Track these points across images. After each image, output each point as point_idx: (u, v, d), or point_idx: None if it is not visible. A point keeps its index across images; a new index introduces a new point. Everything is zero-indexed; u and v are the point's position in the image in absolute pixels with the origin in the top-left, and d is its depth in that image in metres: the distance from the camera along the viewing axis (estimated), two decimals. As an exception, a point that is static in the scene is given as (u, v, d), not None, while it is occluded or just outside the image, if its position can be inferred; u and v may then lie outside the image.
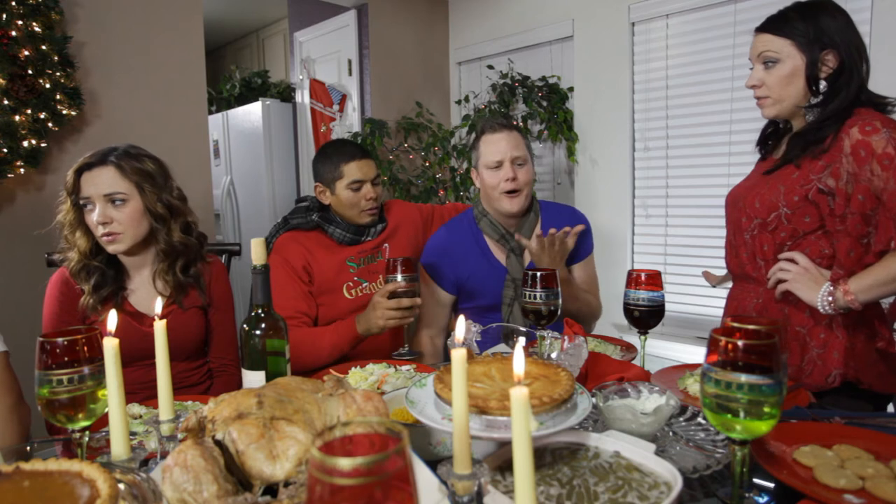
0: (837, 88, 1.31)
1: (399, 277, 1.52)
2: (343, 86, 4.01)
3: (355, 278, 1.82)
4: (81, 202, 1.43)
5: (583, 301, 1.85)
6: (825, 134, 1.29)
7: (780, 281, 1.32)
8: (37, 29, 2.37)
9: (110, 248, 1.45)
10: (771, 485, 0.84)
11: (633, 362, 1.30)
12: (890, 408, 1.62)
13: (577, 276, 1.93)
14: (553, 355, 1.15)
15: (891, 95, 1.35)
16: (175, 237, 1.51)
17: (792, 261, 1.31)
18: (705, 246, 2.97)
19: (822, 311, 1.26)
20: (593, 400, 0.90)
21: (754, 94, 1.40)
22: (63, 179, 1.48)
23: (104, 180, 1.42)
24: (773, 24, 1.36)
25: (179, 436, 0.85)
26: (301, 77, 4.30)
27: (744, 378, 0.71)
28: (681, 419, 1.02)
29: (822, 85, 1.33)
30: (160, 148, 1.54)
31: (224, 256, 1.95)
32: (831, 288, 1.24)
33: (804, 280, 1.28)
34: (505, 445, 0.82)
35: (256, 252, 1.04)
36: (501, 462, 0.80)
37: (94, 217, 1.42)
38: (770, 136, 1.51)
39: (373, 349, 1.73)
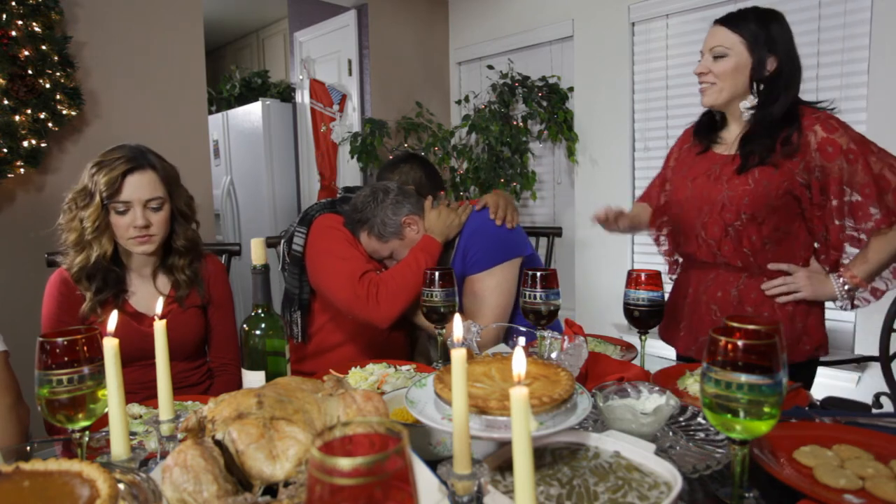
0: (776, 92, 1.44)
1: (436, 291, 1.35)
2: (343, 86, 4.01)
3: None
4: (115, 205, 1.41)
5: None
6: (789, 134, 1.41)
7: (788, 293, 1.46)
8: (37, 29, 2.37)
9: (139, 249, 1.45)
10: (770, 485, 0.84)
11: (633, 362, 1.30)
12: (890, 407, 1.63)
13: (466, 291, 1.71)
14: (553, 355, 1.15)
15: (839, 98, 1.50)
16: (191, 234, 1.54)
17: (787, 273, 1.46)
18: (705, 246, 2.97)
19: (840, 299, 1.44)
20: (593, 400, 0.90)
21: (699, 80, 1.53)
22: (70, 179, 1.47)
23: (145, 184, 1.42)
24: (731, 20, 1.48)
25: (179, 436, 0.85)
26: (301, 77, 4.30)
27: (744, 378, 0.71)
28: (681, 419, 1.02)
29: (760, 86, 1.46)
30: (160, 148, 1.54)
31: (224, 256, 1.95)
32: (841, 280, 1.41)
33: (814, 283, 1.44)
34: (505, 445, 0.82)
35: (256, 252, 1.04)
36: (501, 462, 0.80)
37: (126, 220, 1.41)
38: (705, 129, 1.61)
39: (388, 350, 1.74)
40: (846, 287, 1.41)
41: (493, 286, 1.66)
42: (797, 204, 1.44)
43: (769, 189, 1.41)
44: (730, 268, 1.51)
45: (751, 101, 1.47)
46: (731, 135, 1.54)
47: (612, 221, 1.61)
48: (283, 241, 1.85)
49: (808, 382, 1.52)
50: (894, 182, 1.34)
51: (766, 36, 1.44)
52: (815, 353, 1.48)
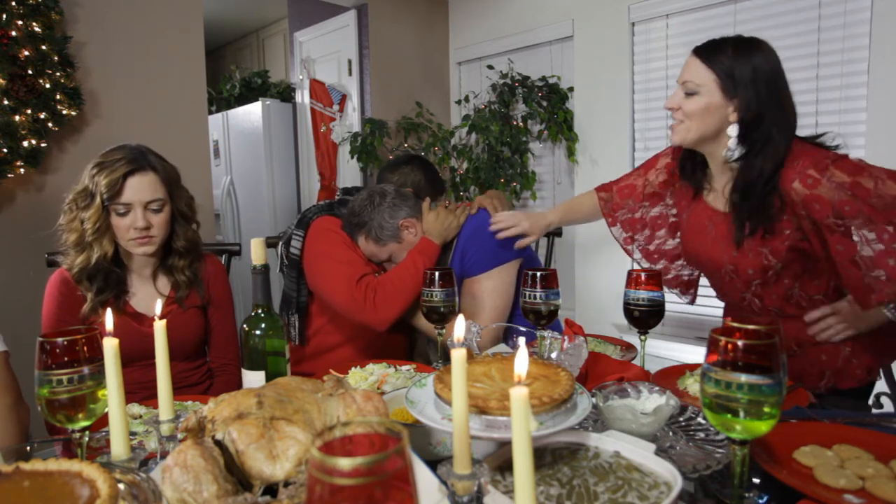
0: (758, 140, 1.28)
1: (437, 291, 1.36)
2: (343, 86, 4.01)
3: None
4: (115, 207, 1.40)
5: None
6: (769, 199, 1.28)
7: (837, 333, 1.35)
8: (37, 29, 2.37)
9: (139, 251, 1.45)
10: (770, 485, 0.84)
11: (633, 362, 1.30)
12: (890, 407, 1.62)
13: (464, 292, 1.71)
14: (553, 355, 1.15)
15: (830, 130, 1.35)
16: (191, 234, 1.54)
17: (823, 318, 1.35)
18: (705, 246, 2.97)
19: (892, 318, 1.29)
20: (593, 400, 0.90)
21: (672, 115, 1.38)
22: (70, 179, 1.46)
23: (146, 186, 1.42)
24: (706, 52, 1.32)
25: (179, 436, 0.85)
26: (301, 77, 4.30)
27: (744, 378, 0.71)
28: (681, 419, 1.02)
29: (736, 129, 1.30)
30: (160, 148, 1.53)
31: (224, 256, 1.95)
32: (891, 305, 1.27)
33: (853, 320, 1.33)
34: (505, 445, 0.82)
35: (256, 252, 1.04)
36: (501, 462, 0.80)
37: (127, 221, 1.41)
38: (689, 172, 1.47)
39: (386, 351, 1.74)
40: (894, 309, 1.27)
41: (491, 288, 1.66)
42: (805, 256, 1.33)
43: (769, 257, 1.32)
44: (767, 311, 1.43)
45: (731, 149, 1.32)
46: (720, 182, 1.41)
47: (513, 231, 1.62)
48: (280, 244, 1.85)
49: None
50: None
51: (743, 74, 1.27)
52: (868, 376, 1.40)
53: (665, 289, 1.64)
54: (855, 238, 1.21)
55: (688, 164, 1.47)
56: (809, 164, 1.23)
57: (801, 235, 1.29)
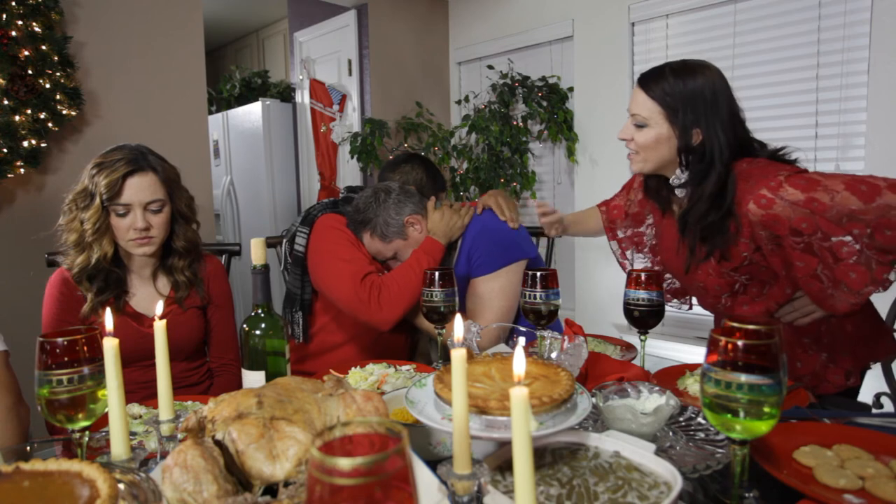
0: (704, 167, 1.28)
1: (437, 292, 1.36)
2: (343, 86, 4.01)
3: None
4: (115, 208, 1.40)
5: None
6: (723, 222, 1.27)
7: (804, 315, 1.34)
8: (37, 29, 2.37)
9: (139, 251, 1.45)
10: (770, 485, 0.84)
11: (633, 362, 1.30)
12: (890, 407, 1.62)
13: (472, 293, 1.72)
14: (553, 355, 1.15)
15: (787, 144, 1.33)
16: (191, 234, 1.53)
17: (796, 300, 1.34)
18: (705, 246, 2.97)
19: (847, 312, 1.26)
20: (593, 400, 0.90)
21: (626, 144, 1.40)
22: (70, 179, 1.46)
23: (146, 187, 1.42)
24: (647, 82, 1.34)
25: (179, 436, 0.85)
26: (301, 77, 4.30)
27: (744, 378, 0.71)
28: (681, 419, 1.02)
29: (688, 158, 1.31)
30: (160, 148, 1.53)
31: (224, 256, 1.95)
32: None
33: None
34: (505, 445, 0.82)
35: (256, 252, 1.04)
36: (501, 462, 0.80)
37: (126, 222, 1.41)
38: (653, 192, 1.49)
39: (388, 351, 1.74)
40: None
41: (497, 289, 1.66)
42: (770, 270, 1.32)
43: (732, 275, 1.32)
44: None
45: (678, 178, 1.34)
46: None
47: (550, 224, 1.65)
48: (284, 241, 1.84)
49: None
50: (863, 233, 1.15)
51: (685, 101, 1.27)
52: (847, 381, 1.39)
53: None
54: (812, 255, 1.20)
55: (652, 182, 1.48)
56: (762, 185, 1.21)
57: (761, 256, 1.28)
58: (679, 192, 1.37)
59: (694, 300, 1.62)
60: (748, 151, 1.31)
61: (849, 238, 1.17)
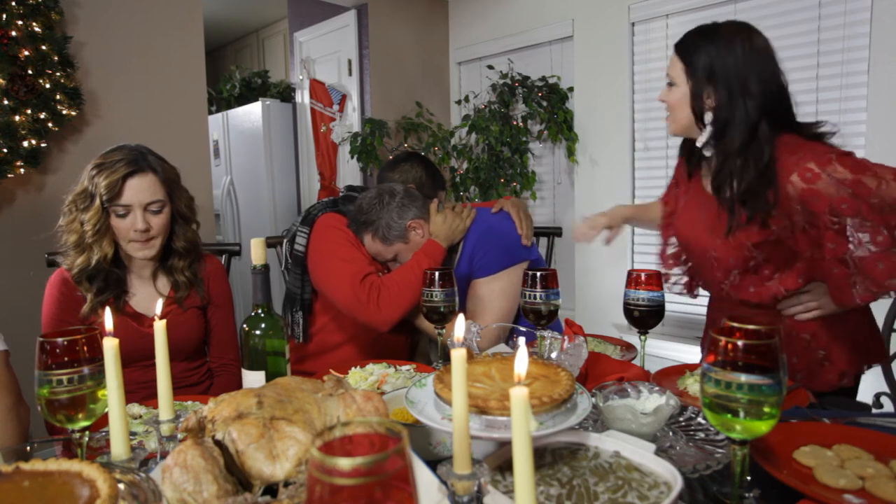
0: (720, 126, 1.29)
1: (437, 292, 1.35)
2: (343, 86, 4.01)
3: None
4: (115, 209, 1.40)
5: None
6: (768, 191, 1.25)
7: (807, 311, 1.34)
8: (37, 29, 2.37)
9: (140, 254, 1.45)
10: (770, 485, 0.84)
11: (633, 362, 1.30)
12: (890, 407, 1.62)
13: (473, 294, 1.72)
14: (553, 355, 1.15)
15: (823, 120, 1.32)
16: (191, 234, 1.53)
17: (796, 294, 1.34)
18: (705, 246, 2.97)
19: (861, 304, 1.25)
20: (593, 400, 0.90)
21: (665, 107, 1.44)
22: (70, 179, 1.46)
23: (146, 188, 1.42)
24: (680, 44, 1.38)
25: (179, 436, 0.85)
26: (301, 77, 4.30)
27: (744, 378, 0.71)
28: (681, 419, 1.02)
29: (709, 117, 1.32)
30: (160, 148, 1.53)
31: (224, 256, 1.95)
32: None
33: (823, 301, 1.31)
34: (505, 445, 0.82)
35: (256, 252, 1.04)
36: (501, 462, 0.80)
37: (126, 223, 1.41)
38: (688, 147, 1.49)
39: (388, 351, 1.74)
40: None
41: (498, 290, 1.67)
42: (785, 248, 1.31)
43: (752, 249, 1.31)
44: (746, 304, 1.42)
45: (703, 136, 1.34)
46: (710, 170, 1.42)
47: (597, 229, 1.58)
48: (285, 241, 1.84)
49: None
50: None
51: (705, 60, 1.30)
52: (840, 381, 1.38)
53: (671, 290, 1.63)
54: (846, 237, 1.19)
55: (687, 145, 1.50)
56: (811, 158, 1.20)
57: (789, 233, 1.27)
58: (706, 153, 1.38)
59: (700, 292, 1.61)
60: (789, 122, 1.30)
61: (885, 230, 1.16)
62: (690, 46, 1.35)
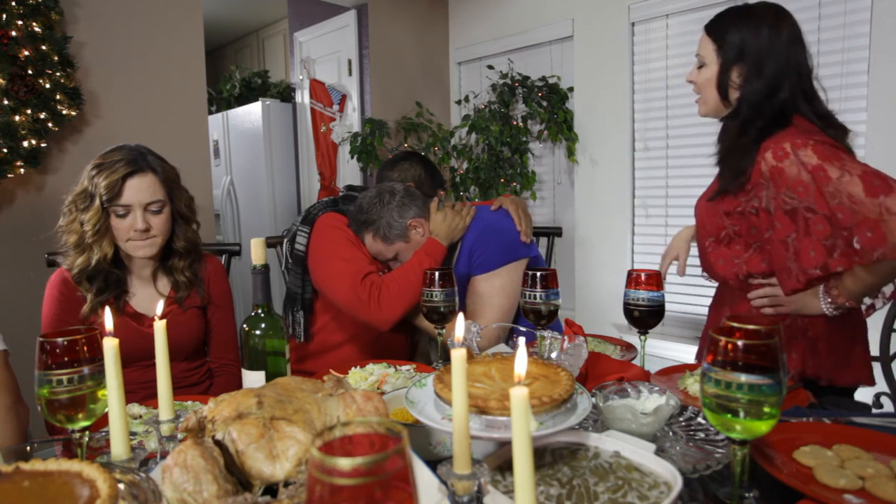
0: (741, 107, 1.34)
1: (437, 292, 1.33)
2: (343, 86, 4.01)
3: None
4: (115, 209, 1.40)
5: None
6: (746, 163, 1.30)
7: (772, 305, 1.37)
8: (37, 29, 2.37)
9: (140, 253, 1.44)
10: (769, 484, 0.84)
11: (633, 362, 1.30)
12: (890, 407, 1.62)
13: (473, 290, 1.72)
14: (553, 355, 1.15)
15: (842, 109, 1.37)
16: (191, 234, 1.53)
17: (764, 286, 1.37)
18: (705, 246, 2.97)
19: (829, 314, 1.31)
20: (593, 400, 0.90)
21: (693, 89, 1.47)
22: (70, 179, 1.46)
23: (145, 188, 1.42)
24: (711, 24, 1.40)
25: (179, 436, 0.85)
26: (301, 77, 4.30)
27: (744, 378, 0.70)
28: (681, 419, 1.02)
29: (734, 95, 1.36)
30: (160, 148, 1.53)
31: (224, 256, 1.95)
32: (829, 299, 1.29)
33: (800, 299, 1.32)
34: (505, 445, 0.82)
35: (256, 252, 1.04)
36: (501, 462, 0.80)
37: (126, 223, 1.41)
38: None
39: (389, 350, 1.74)
40: (832, 306, 1.29)
41: (498, 287, 1.67)
42: (756, 228, 1.35)
43: (724, 219, 1.37)
44: (727, 286, 1.47)
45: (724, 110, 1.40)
46: None
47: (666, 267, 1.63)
48: (285, 241, 1.85)
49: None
50: (846, 221, 1.15)
51: (732, 39, 1.33)
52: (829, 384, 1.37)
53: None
54: (792, 221, 1.23)
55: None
56: (789, 139, 1.24)
57: (752, 209, 1.31)
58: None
59: (709, 293, 1.62)
60: (811, 108, 1.34)
61: (826, 221, 1.18)
62: (721, 25, 1.37)
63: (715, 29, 1.38)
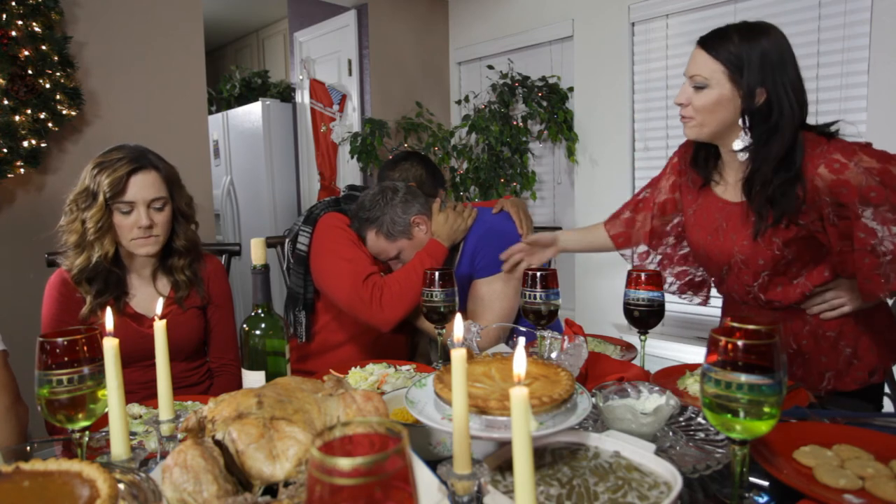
0: (770, 129, 1.26)
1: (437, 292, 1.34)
2: (343, 86, 4.02)
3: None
4: (119, 206, 1.40)
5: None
6: (790, 188, 1.25)
7: (833, 308, 1.34)
8: (37, 29, 2.37)
9: (142, 251, 1.45)
10: (769, 484, 0.84)
11: (633, 362, 1.30)
12: (889, 407, 1.62)
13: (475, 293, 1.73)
14: (553, 355, 1.15)
15: (839, 119, 1.33)
16: (191, 234, 1.54)
17: (821, 293, 1.34)
18: (705, 246, 2.97)
19: (885, 298, 1.30)
20: (593, 400, 0.90)
21: (680, 111, 1.36)
22: (70, 179, 1.46)
23: (149, 185, 1.42)
24: (711, 42, 1.29)
25: (179, 436, 0.85)
26: (301, 77, 4.30)
27: (744, 378, 0.70)
28: (681, 419, 1.02)
29: (750, 121, 1.29)
30: (160, 148, 1.53)
31: (224, 256, 1.95)
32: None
33: (850, 296, 1.31)
34: (505, 445, 0.82)
35: (256, 252, 1.04)
36: (501, 462, 0.80)
37: (130, 220, 1.41)
38: (701, 161, 1.45)
39: (389, 351, 1.74)
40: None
41: (499, 290, 1.67)
42: (816, 246, 1.30)
43: (782, 248, 1.29)
44: (766, 305, 1.41)
45: (741, 141, 1.30)
46: (731, 175, 1.39)
47: (527, 254, 1.60)
48: (287, 241, 1.85)
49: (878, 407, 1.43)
50: None
51: (752, 61, 1.24)
52: (870, 378, 1.37)
53: (677, 295, 1.63)
54: (876, 226, 1.19)
55: (701, 153, 1.44)
56: (836, 150, 1.22)
57: (819, 226, 1.26)
58: (741, 157, 1.33)
59: (713, 291, 1.60)
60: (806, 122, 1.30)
61: None
62: (728, 45, 1.26)
63: (720, 48, 1.27)
